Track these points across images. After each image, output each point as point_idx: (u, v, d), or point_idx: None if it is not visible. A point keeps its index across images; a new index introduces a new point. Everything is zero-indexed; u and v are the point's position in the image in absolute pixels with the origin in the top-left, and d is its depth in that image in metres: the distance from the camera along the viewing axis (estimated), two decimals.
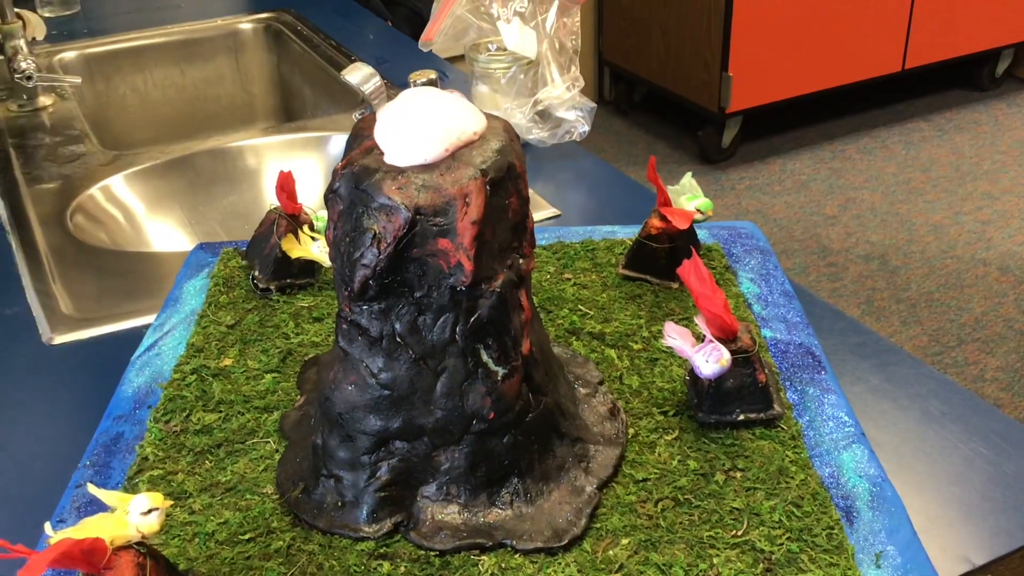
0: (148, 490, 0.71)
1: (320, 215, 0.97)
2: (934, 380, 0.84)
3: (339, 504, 0.68)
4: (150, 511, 0.58)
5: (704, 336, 0.73)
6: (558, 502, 0.68)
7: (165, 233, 1.27)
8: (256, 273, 0.94)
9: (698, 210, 0.90)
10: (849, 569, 0.64)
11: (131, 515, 0.58)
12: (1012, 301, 2.49)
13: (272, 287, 0.94)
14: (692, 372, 0.76)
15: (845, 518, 0.68)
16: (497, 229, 0.64)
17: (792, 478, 0.71)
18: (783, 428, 0.75)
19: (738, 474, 0.71)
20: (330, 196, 0.65)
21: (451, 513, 0.67)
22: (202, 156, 1.34)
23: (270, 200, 0.98)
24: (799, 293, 0.95)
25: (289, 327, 0.89)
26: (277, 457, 0.74)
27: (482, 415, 0.65)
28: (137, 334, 0.92)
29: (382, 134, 0.64)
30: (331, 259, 0.66)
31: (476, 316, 0.64)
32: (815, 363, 0.83)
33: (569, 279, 0.95)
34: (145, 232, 1.26)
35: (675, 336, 0.73)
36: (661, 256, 0.93)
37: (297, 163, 1.25)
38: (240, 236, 1.27)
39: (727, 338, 0.73)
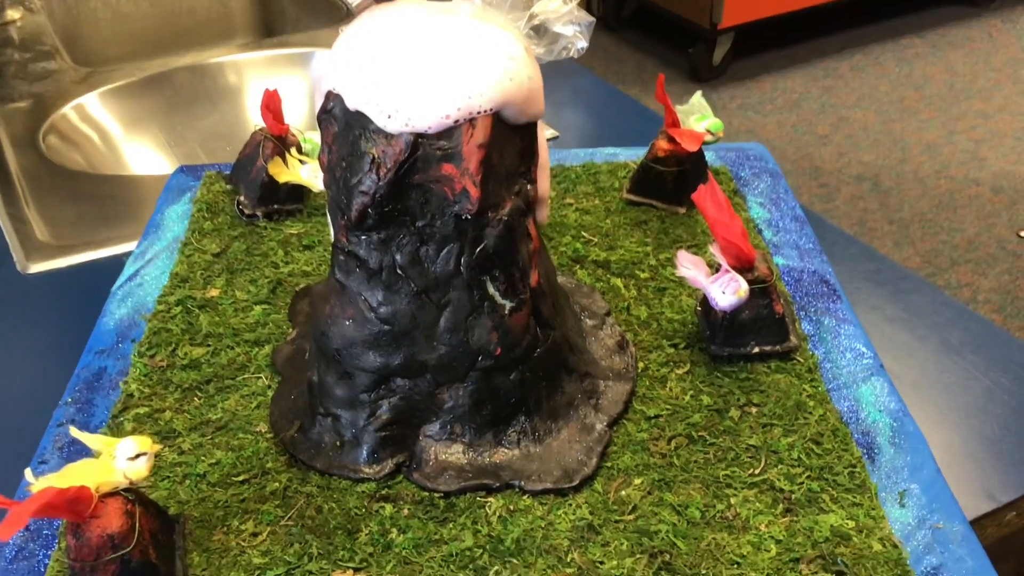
0: (134, 429, 0.68)
1: (308, 136, 0.92)
2: (952, 309, 0.81)
3: (337, 444, 0.64)
4: (138, 456, 0.54)
5: (719, 265, 0.69)
6: (567, 441, 0.65)
7: (143, 155, 1.22)
8: (241, 198, 0.90)
9: (708, 131, 0.86)
10: (873, 509, 0.61)
11: (117, 460, 0.54)
12: (1005, 222, 2.46)
13: (259, 213, 0.89)
14: (704, 303, 0.72)
15: (866, 455, 0.65)
16: (504, 153, 0.59)
17: (810, 414, 0.68)
18: (799, 361, 0.72)
19: (753, 409, 0.68)
20: (324, 117, 0.60)
21: (455, 453, 0.64)
22: (180, 73, 1.28)
23: (253, 120, 0.93)
24: (810, 218, 0.91)
25: (278, 255, 0.85)
26: (270, 394, 0.71)
27: (488, 351, 0.62)
28: (117, 263, 0.87)
29: (365, 79, 0.57)
30: (325, 185, 0.61)
31: (482, 246, 0.60)
32: (830, 292, 0.80)
33: (571, 204, 0.91)
34: (122, 154, 1.20)
35: (688, 266, 0.70)
36: (668, 180, 0.88)
37: (280, 81, 1.18)
38: (222, 158, 1.22)
39: (743, 267, 0.70)
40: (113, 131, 1.21)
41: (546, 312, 0.65)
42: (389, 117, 0.55)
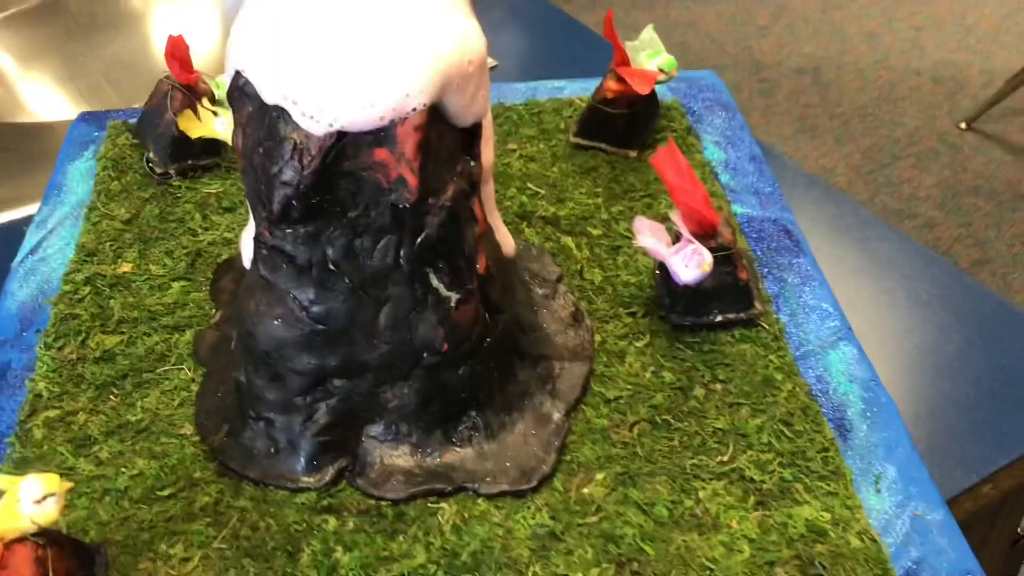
0: (45, 437, 0.61)
1: (220, 81, 0.83)
2: (920, 257, 0.77)
3: (272, 450, 0.59)
4: (45, 498, 0.48)
5: (679, 234, 0.64)
6: (523, 435, 0.60)
7: (41, 94, 1.11)
8: (151, 155, 0.81)
9: (661, 70, 0.79)
10: (848, 498, 0.57)
11: (22, 504, 0.48)
12: (946, 113, 2.43)
13: (171, 171, 0.81)
14: (663, 269, 0.67)
15: (838, 434, 0.61)
16: (444, 131, 0.53)
17: (779, 389, 0.63)
18: (764, 327, 0.68)
19: (719, 386, 0.64)
20: (235, 95, 0.52)
21: (402, 455, 0.59)
22: None
23: (158, 48, 0.84)
24: (768, 157, 0.86)
25: (195, 220, 0.77)
26: (194, 388, 0.64)
27: (434, 347, 0.56)
28: (15, 232, 0.79)
29: (279, 72, 0.49)
30: (241, 171, 0.54)
31: (423, 236, 0.53)
32: (793, 244, 0.75)
33: (514, 150, 0.84)
34: (18, 93, 1.10)
35: (648, 234, 0.64)
36: (618, 123, 0.82)
37: (187, 12, 1.08)
38: (129, 91, 1.12)
39: (705, 234, 0.64)
40: (6, 66, 1.10)
41: (495, 297, 0.59)
42: (312, 118, 0.48)
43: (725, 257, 0.65)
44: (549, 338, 0.65)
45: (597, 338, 0.67)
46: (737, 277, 0.66)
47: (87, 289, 0.71)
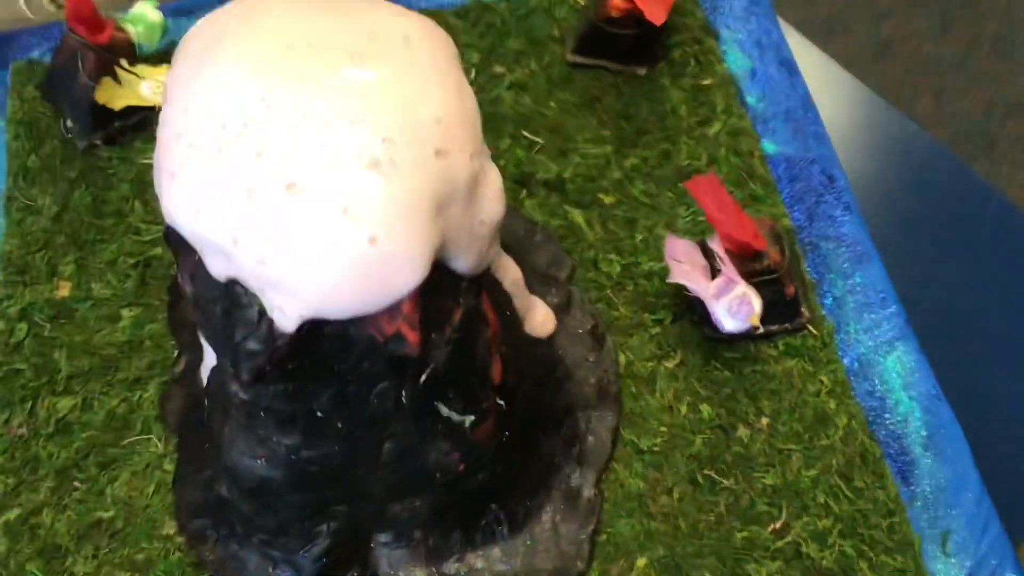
0: (9, 550, 0.54)
1: (136, 13, 0.68)
2: (989, 197, 0.67)
3: (271, 568, 0.52)
4: None
5: (719, 259, 0.54)
6: (551, 521, 0.53)
7: None
8: (69, 123, 0.67)
9: None
10: (917, 572, 0.52)
11: None
12: None
13: (97, 141, 0.67)
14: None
15: (901, 479, 0.55)
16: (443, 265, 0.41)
17: (833, 424, 0.56)
18: (811, 332, 0.59)
19: (764, 422, 0.57)
20: (174, 237, 0.40)
21: (419, 562, 0.52)
22: None
23: None
24: (800, 54, 0.72)
25: (136, 212, 0.65)
26: (166, 466, 0.56)
27: (449, 470, 0.48)
28: None
29: (227, 237, 0.36)
30: (190, 314, 0.43)
31: (428, 373, 0.44)
32: (836, 197, 0.65)
33: (503, 75, 0.71)
34: None
35: (682, 260, 0.54)
36: (625, 42, 0.68)
37: None
38: None
39: (749, 256, 0.54)
40: None
41: (512, 382, 0.50)
42: (280, 310, 0.37)
43: (772, 279, 0.55)
44: (570, 374, 0.57)
45: (621, 358, 0.59)
46: (784, 294, 0.56)
47: (23, 328, 0.61)
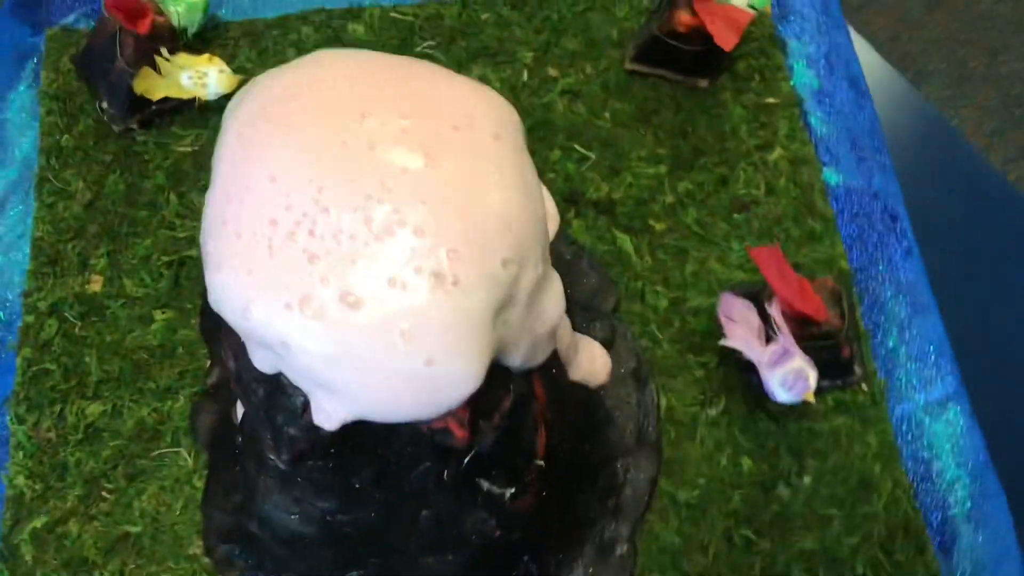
0: (35, 559, 0.54)
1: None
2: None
3: None
4: None
5: (775, 323, 0.52)
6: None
7: None
8: (104, 105, 0.65)
9: (752, 7, 0.61)
10: None
11: None
12: None
13: (134, 125, 0.65)
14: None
15: (940, 551, 0.54)
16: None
17: (877, 492, 0.55)
18: (862, 391, 0.57)
19: (807, 481, 0.55)
20: (216, 316, 0.38)
21: None
22: None
23: None
24: (868, 69, 0.69)
25: (171, 205, 0.63)
26: (195, 482, 0.56)
27: (485, 534, 0.47)
28: None
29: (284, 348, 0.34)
30: (232, 389, 0.41)
31: (472, 455, 0.42)
32: (899, 239, 0.62)
33: (555, 79, 0.67)
34: None
35: (736, 321, 0.52)
36: (687, 56, 0.65)
37: None
38: None
39: (809, 320, 0.52)
40: None
41: (555, 439, 0.49)
42: (324, 413, 0.35)
43: (831, 343, 0.53)
44: (610, 418, 0.56)
45: (662, 401, 0.57)
46: (840, 355, 0.54)
47: (53, 324, 0.60)
